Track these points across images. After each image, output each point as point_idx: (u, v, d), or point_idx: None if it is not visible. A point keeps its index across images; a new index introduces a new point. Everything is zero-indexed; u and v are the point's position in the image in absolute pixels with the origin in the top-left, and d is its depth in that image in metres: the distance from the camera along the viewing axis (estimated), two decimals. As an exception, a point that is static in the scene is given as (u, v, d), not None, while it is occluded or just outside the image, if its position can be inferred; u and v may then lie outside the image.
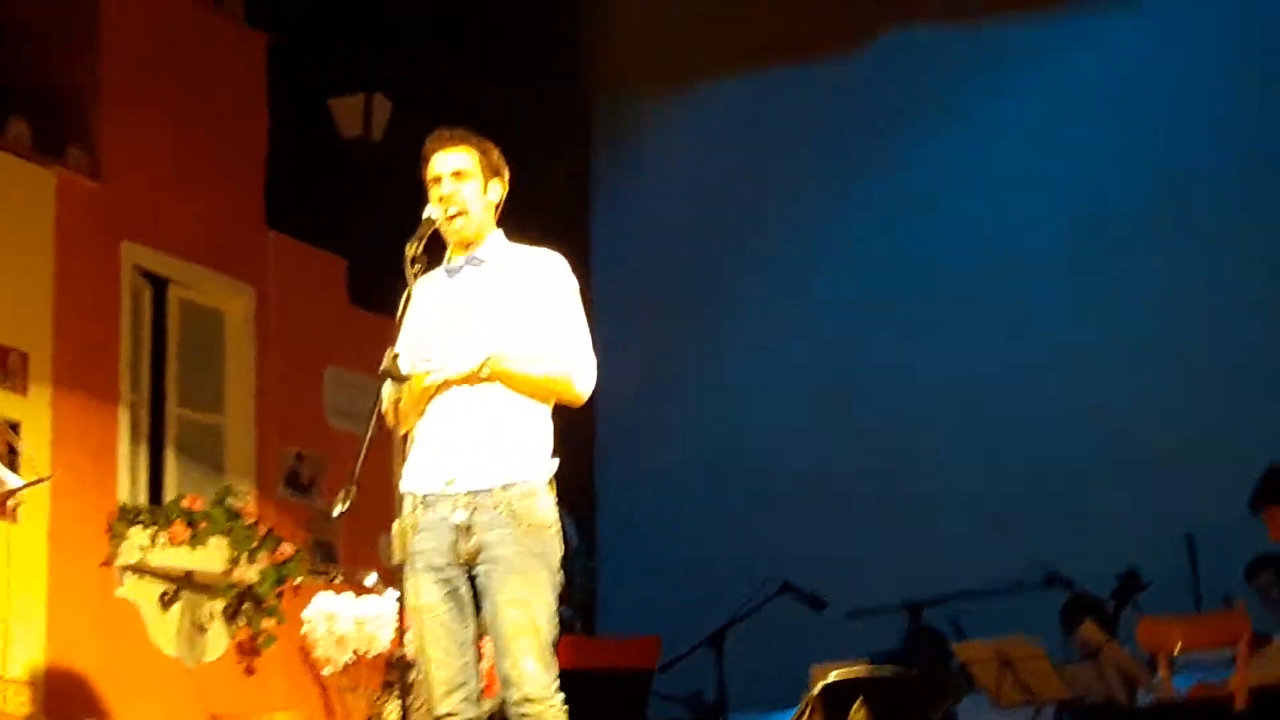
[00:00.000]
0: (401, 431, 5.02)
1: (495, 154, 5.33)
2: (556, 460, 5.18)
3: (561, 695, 5.01)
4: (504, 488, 5.04)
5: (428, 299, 5.17)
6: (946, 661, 9.03)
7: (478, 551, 5.03)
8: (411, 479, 5.09)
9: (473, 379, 5.08)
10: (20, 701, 8.13)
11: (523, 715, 4.95)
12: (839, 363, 11.58)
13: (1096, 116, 11.25)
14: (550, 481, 5.15)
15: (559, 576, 5.11)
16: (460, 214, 5.20)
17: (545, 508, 5.10)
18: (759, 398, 11.73)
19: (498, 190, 5.31)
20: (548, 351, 5.14)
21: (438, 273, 5.28)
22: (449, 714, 5.04)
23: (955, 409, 11.19)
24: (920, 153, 11.70)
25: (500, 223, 5.35)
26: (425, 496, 5.09)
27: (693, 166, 12.33)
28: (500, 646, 5.00)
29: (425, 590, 5.04)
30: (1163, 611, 8.74)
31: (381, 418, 4.99)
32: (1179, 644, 8.03)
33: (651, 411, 11.93)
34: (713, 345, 12.06)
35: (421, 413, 5.14)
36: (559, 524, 5.16)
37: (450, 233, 5.23)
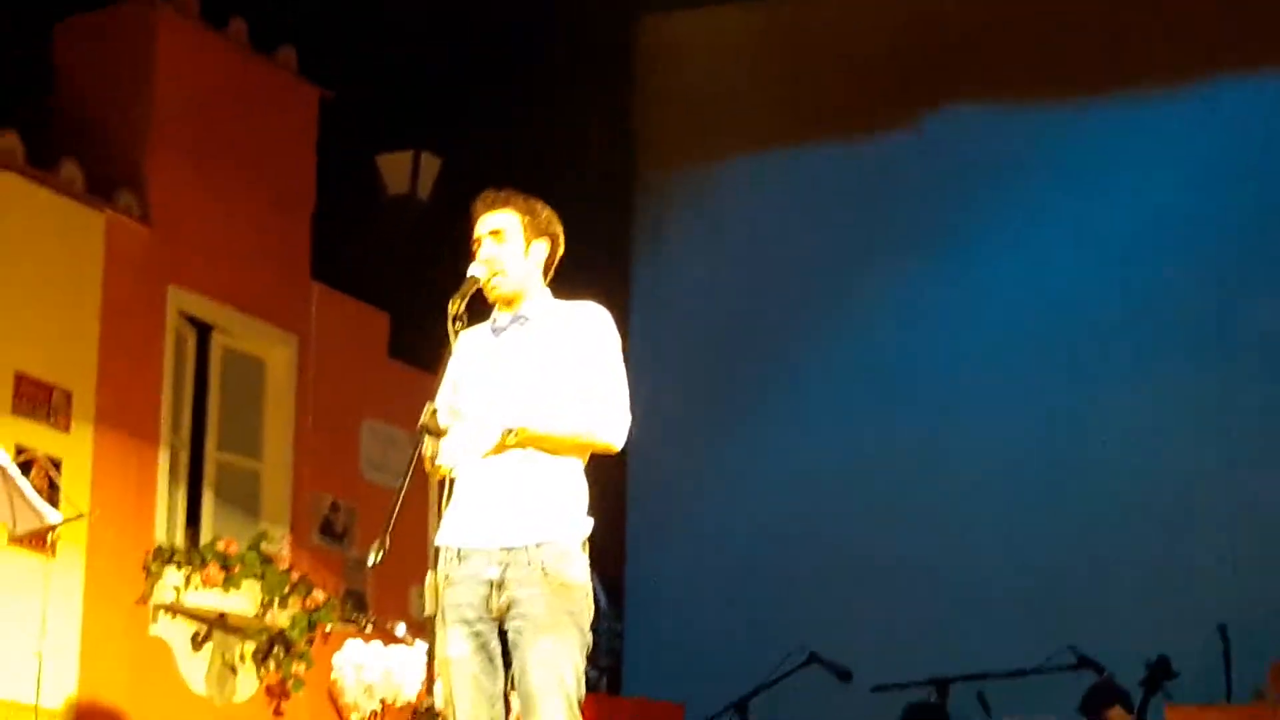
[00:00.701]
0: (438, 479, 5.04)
1: (544, 215, 5.36)
2: (591, 521, 5.22)
3: (586, 754, 5.04)
4: (538, 545, 5.06)
5: (471, 355, 5.21)
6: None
7: (509, 607, 5.05)
8: (448, 532, 5.12)
9: (501, 449, 5.12)
10: (52, 733, 8.22)
11: (547, 772, 4.97)
12: (876, 437, 11.55)
13: (1142, 205, 11.22)
14: (584, 542, 5.18)
15: (588, 637, 5.11)
16: (498, 275, 5.26)
17: (578, 568, 5.11)
18: (793, 470, 11.71)
19: (542, 251, 5.33)
20: (579, 398, 5.18)
21: (483, 328, 5.32)
22: (475, 766, 5.07)
23: (991, 489, 11.15)
24: (968, 229, 11.70)
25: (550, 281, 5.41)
26: (460, 550, 5.11)
27: (736, 238, 12.35)
28: (528, 704, 5.01)
29: (456, 643, 5.06)
30: (1193, 701, 8.70)
31: (418, 471, 5.01)
32: (1208, 733, 8.00)
33: (684, 478, 11.94)
34: (749, 415, 12.05)
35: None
36: (590, 585, 5.18)
37: (489, 292, 5.28)
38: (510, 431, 5.07)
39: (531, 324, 5.28)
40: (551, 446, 5.13)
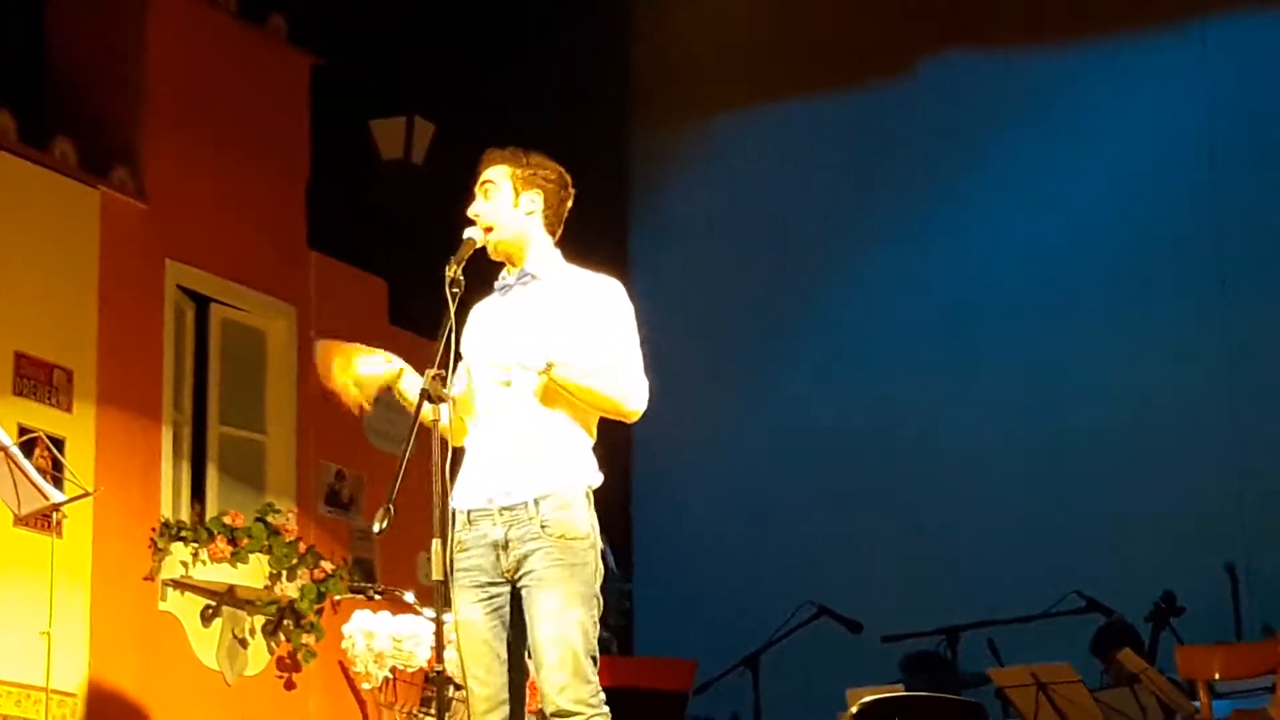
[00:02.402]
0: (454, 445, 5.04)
1: (532, 163, 5.29)
2: (595, 472, 5.18)
3: (606, 709, 5.02)
4: (536, 501, 5.06)
5: (481, 318, 5.25)
6: (949, 684, 9.03)
7: (517, 567, 5.06)
8: (459, 496, 5.14)
9: (538, 375, 5.06)
10: (64, 713, 8.21)
11: (560, 728, 4.97)
12: (878, 388, 11.56)
13: (1138, 148, 11.19)
14: (588, 493, 5.15)
15: (594, 589, 5.09)
16: (489, 229, 5.24)
17: (578, 518, 5.09)
18: (797, 423, 11.72)
19: (534, 202, 5.28)
20: (603, 369, 5.15)
21: (491, 295, 5.33)
22: (489, 730, 5.07)
23: (994, 438, 11.16)
24: (965, 177, 11.68)
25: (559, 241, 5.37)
26: (470, 513, 5.14)
27: (734, 191, 12.34)
28: (536, 660, 5.03)
29: (467, 607, 5.09)
30: (1202, 640, 8.73)
31: (420, 436, 5.00)
32: (1218, 672, 8.03)
33: (689, 436, 11.92)
34: (752, 370, 12.06)
35: (466, 431, 5.20)
36: (596, 535, 5.15)
37: (489, 249, 5.27)
38: (552, 364, 5.04)
39: (540, 284, 5.25)
40: (582, 397, 5.10)
